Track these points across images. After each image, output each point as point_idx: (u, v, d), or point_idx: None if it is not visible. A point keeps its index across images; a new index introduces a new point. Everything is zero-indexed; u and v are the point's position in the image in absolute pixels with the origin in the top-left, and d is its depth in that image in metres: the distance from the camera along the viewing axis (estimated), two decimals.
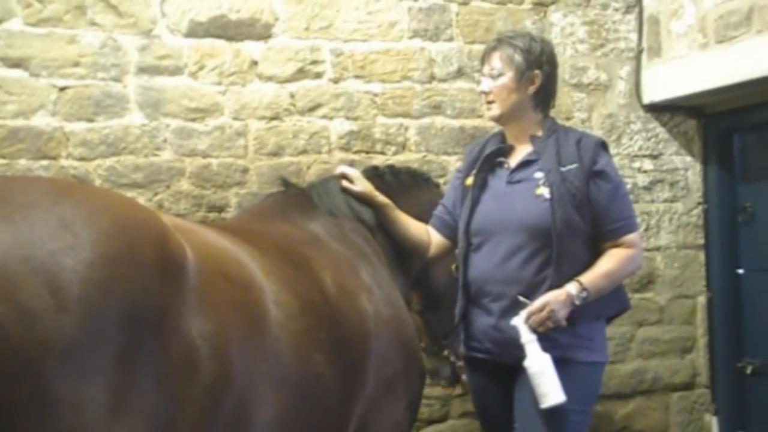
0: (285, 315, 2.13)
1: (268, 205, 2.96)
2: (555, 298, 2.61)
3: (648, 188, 4.51)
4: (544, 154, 2.76)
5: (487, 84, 2.82)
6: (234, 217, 3.55)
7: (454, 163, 4.03)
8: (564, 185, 2.68)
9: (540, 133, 2.82)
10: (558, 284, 2.65)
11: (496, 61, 2.80)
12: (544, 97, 2.85)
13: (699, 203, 4.59)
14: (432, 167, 4.08)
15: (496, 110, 2.82)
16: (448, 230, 3.01)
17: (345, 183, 2.96)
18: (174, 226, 1.94)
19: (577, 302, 2.62)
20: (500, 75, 2.78)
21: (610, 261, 2.70)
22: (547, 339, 2.60)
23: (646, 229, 4.48)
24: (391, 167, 3.30)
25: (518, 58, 2.78)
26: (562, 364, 2.58)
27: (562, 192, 2.67)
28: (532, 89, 2.79)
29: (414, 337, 2.81)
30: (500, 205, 2.78)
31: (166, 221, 1.92)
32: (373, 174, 3.14)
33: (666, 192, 4.54)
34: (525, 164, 2.80)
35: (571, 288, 2.62)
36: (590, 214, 2.70)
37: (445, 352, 3.21)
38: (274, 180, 3.79)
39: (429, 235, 3.03)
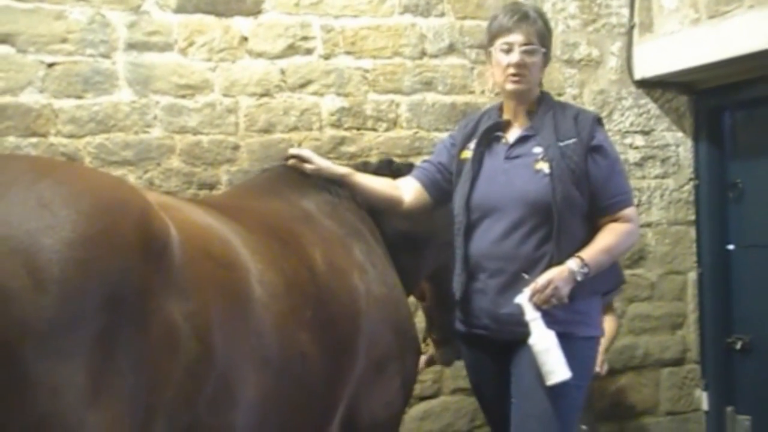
0: (269, 294, 2.12)
1: (260, 181, 2.93)
2: (559, 275, 2.59)
3: (639, 164, 4.50)
4: (542, 129, 2.74)
5: (521, 58, 2.73)
6: (224, 193, 3.52)
7: None
8: (563, 160, 2.67)
9: (536, 109, 2.81)
10: (558, 260, 2.63)
11: (533, 36, 2.74)
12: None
13: (690, 179, 4.59)
14: (423, 144, 4.07)
15: (525, 84, 2.76)
16: (436, 191, 2.95)
17: (299, 164, 2.88)
18: (159, 203, 1.91)
19: (579, 278, 2.60)
20: (535, 52, 2.75)
21: (609, 236, 2.70)
22: (547, 315, 2.60)
23: (638, 205, 4.47)
24: (390, 162, 3.22)
25: (546, 39, 2.81)
26: (562, 340, 2.58)
27: (562, 167, 2.66)
28: (545, 68, 2.85)
29: (409, 317, 2.80)
30: (499, 180, 2.75)
31: (151, 199, 1.89)
32: (387, 167, 3.11)
33: (657, 168, 4.54)
34: (523, 139, 2.78)
35: (573, 264, 2.61)
36: (588, 190, 2.69)
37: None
38: (265, 157, 3.80)
39: (398, 190, 2.96)
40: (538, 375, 2.59)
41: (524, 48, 2.73)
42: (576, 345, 2.65)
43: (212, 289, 1.91)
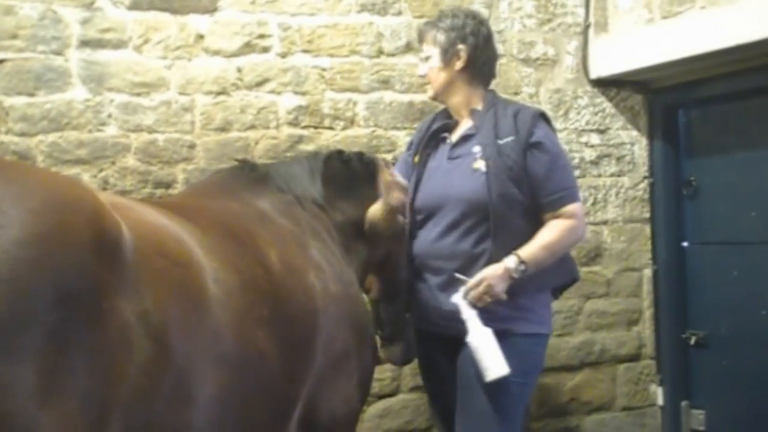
0: (225, 292, 2.11)
1: (215, 181, 2.92)
2: (492, 273, 2.63)
3: (595, 163, 4.55)
4: (482, 128, 2.77)
5: (421, 69, 2.92)
6: (179, 193, 3.50)
7: (404, 138, 4.02)
8: (500, 158, 2.69)
9: (479, 108, 2.83)
10: (497, 258, 2.67)
11: (425, 45, 2.87)
12: (478, 70, 2.86)
13: (645, 177, 4.64)
14: (381, 142, 4.07)
15: (430, 91, 2.90)
16: None
17: None
18: (111, 203, 1.90)
19: (516, 275, 2.64)
20: (428, 57, 2.85)
21: (549, 233, 2.71)
22: (487, 311, 2.63)
23: (594, 204, 4.52)
24: (360, 154, 3.17)
25: (441, 37, 2.83)
26: (501, 337, 2.62)
27: (498, 165, 2.68)
28: (459, 64, 2.83)
29: (365, 314, 2.81)
30: (441, 180, 2.81)
31: (103, 199, 1.88)
32: (337, 157, 3.05)
33: (613, 166, 4.59)
34: (465, 139, 2.82)
35: (510, 262, 2.64)
36: (529, 187, 2.70)
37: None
38: (222, 156, 3.77)
39: None
40: (478, 371, 2.62)
41: (422, 59, 2.90)
42: (518, 341, 2.69)
43: (166, 288, 1.90)
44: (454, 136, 2.86)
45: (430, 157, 2.89)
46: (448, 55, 2.82)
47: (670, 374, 4.59)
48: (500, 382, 2.61)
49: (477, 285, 2.63)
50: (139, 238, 1.87)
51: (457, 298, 2.64)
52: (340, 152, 3.14)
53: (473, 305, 2.63)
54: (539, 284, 2.75)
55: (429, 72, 2.86)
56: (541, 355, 2.86)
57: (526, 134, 2.71)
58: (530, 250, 2.67)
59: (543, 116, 2.82)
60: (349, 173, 3.05)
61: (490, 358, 2.59)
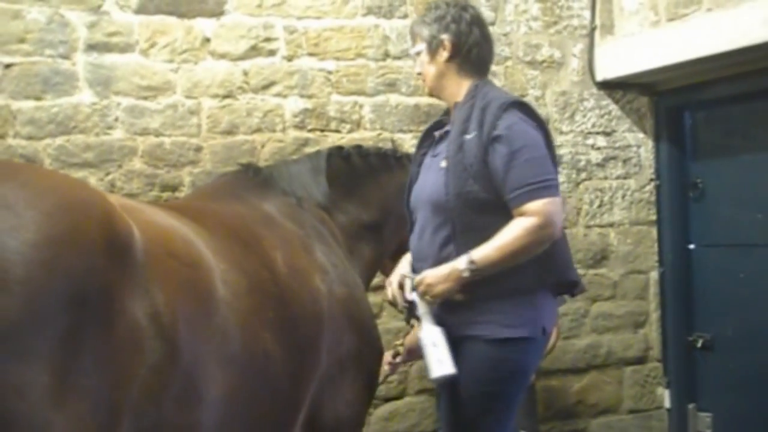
0: (233, 294, 2.12)
1: (221, 184, 2.93)
2: (433, 273, 2.54)
3: (601, 165, 4.55)
4: (455, 122, 2.66)
5: (416, 66, 2.83)
6: (186, 196, 3.51)
7: (410, 140, 4.03)
8: (459, 155, 2.56)
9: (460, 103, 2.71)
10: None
11: (416, 42, 2.79)
12: (465, 57, 2.72)
13: (651, 180, 4.64)
14: (387, 145, 4.06)
15: (426, 86, 2.81)
16: None
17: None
18: (121, 206, 1.92)
19: (466, 275, 2.49)
20: (418, 53, 2.77)
21: (505, 232, 2.49)
22: (454, 315, 2.57)
23: (600, 206, 4.53)
24: (359, 147, 3.18)
25: (425, 30, 2.74)
26: (466, 342, 2.55)
27: (457, 163, 2.56)
28: (444, 54, 2.70)
29: (370, 317, 2.81)
30: (420, 180, 2.74)
31: (113, 201, 1.90)
32: (338, 154, 3.07)
33: (619, 169, 4.58)
34: (444, 136, 2.72)
35: (460, 262, 2.50)
36: (492, 183, 2.54)
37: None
38: (228, 159, 3.78)
39: None
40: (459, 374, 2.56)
41: (414, 56, 2.82)
42: (484, 348, 2.55)
43: (176, 288, 1.92)
44: (439, 133, 2.78)
45: (425, 156, 2.84)
46: (432, 47, 2.71)
47: (676, 377, 4.59)
48: (465, 391, 2.54)
49: (419, 284, 2.55)
50: (149, 239, 1.88)
51: (414, 295, 2.62)
52: (340, 148, 3.14)
53: (430, 303, 2.57)
54: (509, 287, 2.55)
55: (421, 68, 2.77)
56: (520, 361, 2.60)
57: (489, 128, 2.53)
58: (483, 250, 2.49)
59: (515, 105, 2.60)
60: (353, 170, 3.07)
61: (437, 357, 2.52)
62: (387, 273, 3.28)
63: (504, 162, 2.50)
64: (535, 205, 2.48)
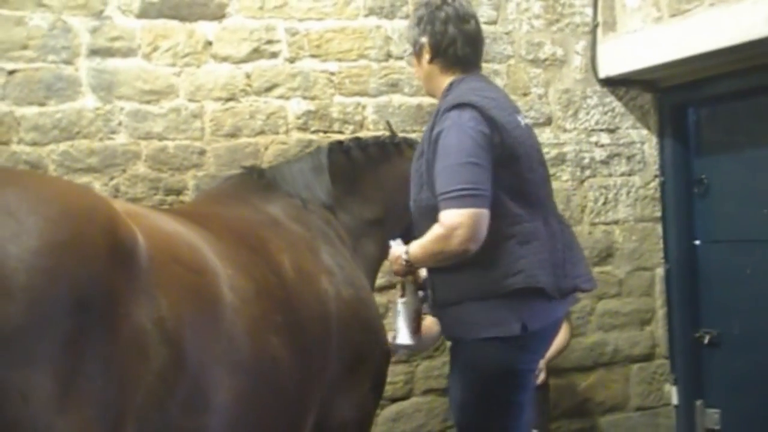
0: (240, 299, 2.12)
1: (226, 188, 2.94)
2: (391, 252, 2.70)
3: (605, 162, 4.54)
4: (427, 125, 2.70)
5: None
6: (191, 200, 3.52)
7: None
8: (418, 162, 2.62)
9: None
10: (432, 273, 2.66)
11: (408, 40, 2.83)
12: (445, 58, 2.67)
13: (655, 176, 4.63)
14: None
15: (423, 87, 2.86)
16: None
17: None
18: (125, 211, 1.92)
19: (404, 262, 2.62)
20: (410, 56, 2.82)
21: (426, 234, 2.50)
22: (447, 315, 2.64)
23: (605, 203, 4.52)
24: (357, 140, 3.17)
25: (410, 34, 2.78)
26: (456, 343, 2.67)
27: (416, 169, 2.62)
28: (427, 57, 2.70)
29: (377, 318, 2.81)
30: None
31: (117, 207, 1.90)
32: (339, 150, 3.07)
33: (623, 166, 4.58)
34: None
35: (401, 248, 2.66)
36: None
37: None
38: (232, 162, 3.78)
39: None
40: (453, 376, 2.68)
41: (407, 56, 2.91)
42: (467, 348, 2.58)
43: (181, 294, 1.92)
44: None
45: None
46: (417, 50, 2.73)
47: (683, 373, 4.58)
48: (462, 397, 2.61)
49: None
50: (153, 245, 1.88)
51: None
52: (340, 143, 3.13)
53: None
54: (485, 288, 2.51)
55: (414, 71, 2.86)
56: (503, 361, 2.53)
57: (432, 132, 2.52)
58: (413, 246, 2.59)
59: (454, 108, 2.50)
60: (354, 165, 3.07)
61: (397, 325, 2.71)
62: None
63: (432, 166, 2.50)
64: (443, 215, 2.42)
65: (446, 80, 2.68)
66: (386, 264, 3.01)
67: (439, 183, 2.44)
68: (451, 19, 2.68)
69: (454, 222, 2.39)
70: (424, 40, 2.69)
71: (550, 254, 2.57)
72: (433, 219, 2.46)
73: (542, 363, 3.56)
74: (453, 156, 2.44)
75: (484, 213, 2.41)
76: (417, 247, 2.55)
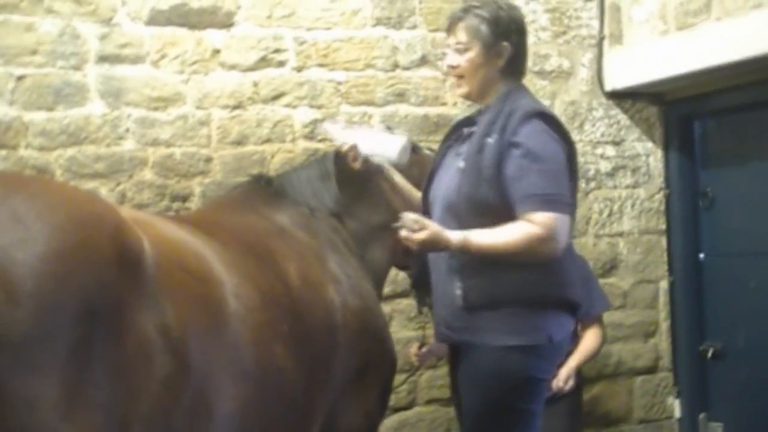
0: (245, 308, 2.12)
1: (234, 196, 2.94)
2: (431, 230, 2.40)
3: (610, 174, 4.54)
4: (480, 124, 2.60)
5: (454, 58, 2.63)
6: (198, 208, 3.52)
7: None
8: (478, 157, 2.50)
9: (491, 104, 2.63)
10: (467, 267, 2.49)
11: (462, 33, 2.60)
12: (513, 67, 2.65)
13: (661, 189, 4.63)
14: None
15: (465, 87, 2.64)
16: None
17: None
18: (132, 219, 1.92)
19: (451, 248, 2.41)
20: (467, 50, 2.59)
21: (507, 228, 2.42)
22: (458, 320, 2.54)
23: (609, 215, 4.52)
24: None
25: (484, 29, 2.58)
26: (471, 350, 2.54)
27: (473, 165, 2.50)
28: (500, 62, 2.60)
29: (384, 327, 2.81)
30: (439, 177, 2.68)
31: (124, 214, 1.90)
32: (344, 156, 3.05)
33: (628, 178, 4.58)
34: (469, 135, 2.65)
35: (455, 234, 2.41)
36: (503, 188, 2.47)
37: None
38: (238, 169, 3.79)
39: None
40: (463, 382, 2.60)
41: (455, 47, 2.62)
42: (485, 355, 2.50)
43: (187, 302, 1.92)
44: (468, 131, 2.68)
45: (450, 148, 2.73)
46: (491, 52, 2.57)
47: (687, 386, 4.57)
48: (477, 406, 2.54)
49: (414, 224, 2.40)
50: (160, 253, 1.89)
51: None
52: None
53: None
54: (512, 295, 2.48)
55: (463, 64, 2.60)
56: (525, 371, 2.50)
57: (510, 133, 2.46)
58: (481, 234, 2.41)
59: (540, 116, 2.51)
60: (360, 171, 3.03)
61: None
62: (399, 266, 3.26)
63: (518, 169, 2.44)
64: (542, 216, 2.39)
65: (500, 85, 2.63)
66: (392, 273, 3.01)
67: (532, 184, 2.42)
68: (525, 32, 2.71)
69: (556, 226, 2.40)
70: (505, 45, 2.60)
71: (572, 272, 2.62)
72: (488, 216, 2.43)
73: (570, 369, 3.55)
74: (548, 161, 2.45)
75: (571, 224, 2.51)
76: (485, 237, 2.40)
